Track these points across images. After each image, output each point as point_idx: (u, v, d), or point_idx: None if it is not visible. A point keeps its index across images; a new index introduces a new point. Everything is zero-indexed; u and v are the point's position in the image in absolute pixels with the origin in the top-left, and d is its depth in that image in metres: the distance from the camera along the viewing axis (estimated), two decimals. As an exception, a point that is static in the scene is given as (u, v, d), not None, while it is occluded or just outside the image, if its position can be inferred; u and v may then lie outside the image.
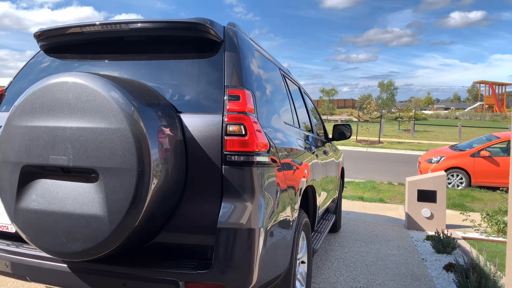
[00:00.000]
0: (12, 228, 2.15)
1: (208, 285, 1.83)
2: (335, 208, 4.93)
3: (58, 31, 2.33)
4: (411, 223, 5.68)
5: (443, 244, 4.54)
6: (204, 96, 2.04)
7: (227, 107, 1.93)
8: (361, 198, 7.80)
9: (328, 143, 4.48)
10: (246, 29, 2.49)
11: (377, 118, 27.12)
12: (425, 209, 5.59)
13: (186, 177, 1.93)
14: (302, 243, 2.71)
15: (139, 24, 2.16)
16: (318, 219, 3.61)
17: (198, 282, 1.83)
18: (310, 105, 4.26)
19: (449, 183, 9.46)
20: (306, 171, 2.76)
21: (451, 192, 8.52)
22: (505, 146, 9.51)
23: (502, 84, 46.73)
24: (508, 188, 3.05)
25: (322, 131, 4.56)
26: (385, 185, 9.41)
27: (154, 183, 1.72)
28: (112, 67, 2.29)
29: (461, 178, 9.47)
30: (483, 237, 5.29)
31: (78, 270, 1.93)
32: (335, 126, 4.68)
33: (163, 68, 2.21)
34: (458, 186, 9.47)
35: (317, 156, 3.36)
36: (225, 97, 1.96)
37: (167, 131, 1.85)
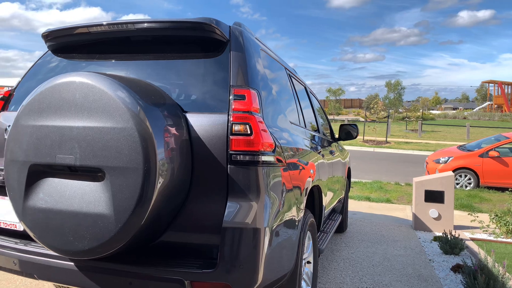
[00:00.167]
0: (20, 227, 2.17)
1: (213, 285, 1.83)
2: (342, 208, 4.91)
3: (66, 31, 2.35)
4: (418, 224, 5.64)
5: (450, 245, 4.50)
6: (210, 96, 2.05)
7: (233, 107, 1.93)
8: (368, 199, 7.76)
9: (334, 143, 4.46)
10: (252, 29, 2.49)
11: (384, 118, 26.97)
12: (433, 210, 5.55)
13: (192, 177, 1.94)
14: (308, 243, 2.70)
15: (145, 24, 2.17)
16: (324, 219, 3.60)
17: (204, 281, 1.83)
18: (316, 105, 4.24)
19: (457, 184, 9.37)
20: (312, 171, 2.75)
21: (459, 193, 8.44)
22: (514, 146, 9.41)
23: (511, 84, 46.18)
24: (517, 189, 3.02)
25: (329, 131, 4.54)
26: (392, 186, 9.35)
27: (160, 182, 1.73)
28: (119, 67, 2.31)
29: (469, 179, 9.37)
30: (491, 238, 5.23)
31: (85, 268, 1.95)
32: (341, 126, 4.66)
33: (169, 67, 2.22)
34: (466, 186, 9.37)
35: (323, 156, 3.35)
36: (231, 97, 1.96)
37: (173, 130, 1.86)
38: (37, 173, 1.85)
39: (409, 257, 4.36)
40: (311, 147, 3.00)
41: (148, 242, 1.96)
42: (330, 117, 35.85)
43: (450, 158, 9.65)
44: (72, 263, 1.96)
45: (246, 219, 1.84)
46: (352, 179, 8.89)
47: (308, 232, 2.61)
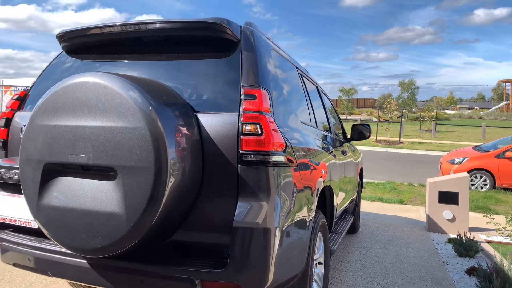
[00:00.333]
0: (35, 224, 2.21)
1: (223, 284, 1.83)
2: (354, 209, 4.87)
3: (79, 32, 2.39)
4: (432, 225, 5.56)
5: (465, 247, 4.42)
6: (221, 96, 2.05)
7: (243, 107, 1.93)
8: (381, 199, 7.68)
9: (346, 143, 4.43)
10: (264, 29, 2.49)
11: (398, 118, 26.67)
12: (447, 211, 5.46)
13: (203, 176, 1.94)
14: (319, 243, 2.68)
15: (157, 24, 2.18)
16: (336, 219, 3.57)
17: (214, 281, 1.83)
18: (328, 104, 4.22)
19: (472, 185, 9.21)
20: (323, 171, 2.74)
21: (474, 194, 8.29)
22: (532, 147, 9.19)
23: (529, 83, 45.15)
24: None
25: (341, 131, 4.51)
26: (405, 186, 9.23)
27: (171, 182, 1.74)
28: (132, 67, 2.33)
29: (485, 180, 9.20)
30: (507, 240, 5.12)
31: (98, 266, 1.97)
32: (353, 126, 4.62)
33: (181, 68, 2.23)
34: (481, 188, 9.20)
35: (335, 156, 3.33)
36: (241, 97, 1.96)
37: (184, 130, 1.87)
38: (51, 172, 1.88)
39: (422, 259, 4.30)
40: (323, 147, 2.98)
41: (159, 241, 1.98)
42: (342, 117, 35.60)
43: (465, 159, 9.49)
44: (85, 261, 1.98)
45: (256, 219, 1.84)
46: (365, 180, 8.80)
47: (319, 232, 2.59)
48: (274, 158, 1.91)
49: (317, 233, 2.46)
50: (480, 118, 38.34)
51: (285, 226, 1.97)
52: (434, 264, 4.13)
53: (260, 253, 1.82)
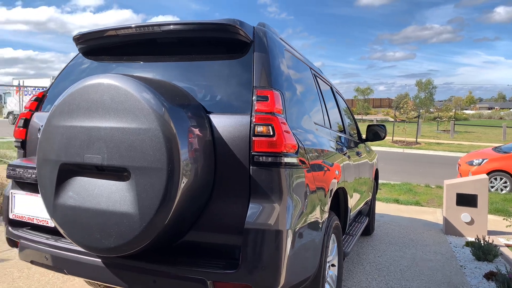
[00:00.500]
0: (51, 223, 2.26)
1: (235, 285, 1.83)
2: (369, 211, 4.81)
3: (95, 34, 2.43)
4: (449, 228, 5.45)
5: (483, 251, 4.31)
6: (233, 97, 2.05)
7: (255, 108, 1.93)
8: (396, 201, 7.57)
9: (361, 144, 4.38)
10: (279, 29, 2.47)
11: (415, 118, 26.25)
12: (465, 214, 5.34)
13: (215, 177, 1.95)
14: (333, 245, 2.66)
15: (170, 26, 2.20)
16: (350, 221, 3.54)
17: (226, 282, 1.84)
18: (342, 105, 4.18)
19: (492, 187, 8.99)
20: (337, 172, 2.71)
21: (494, 197, 8.08)
22: (555, 148, 8.91)
23: (552, 82, 43.83)
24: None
25: (356, 132, 4.46)
26: (422, 188, 9.08)
27: (183, 182, 1.75)
28: (146, 68, 2.35)
29: (505, 182, 8.96)
30: (528, 245, 4.98)
31: (112, 265, 2.00)
32: (369, 126, 4.57)
33: (194, 69, 2.25)
34: (502, 190, 8.97)
35: (349, 157, 3.29)
36: (254, 98, 1.96)
37: (197, 131, 1.88)
38: (67, 172, 1.92)
39: (439, 262, 4.21)
40: (337, 148, 2.95)
41: (172, 241, 1.99)
42: (358, 117, 35.24)
43: (485, 160, 9.26)
44: (100, 260, 2.01)
45: (268, 220, 1.84)
46: (380, 181, 8.69)
47: (333, 234, 2.57)
48: (286, 160, 1.90)
49: (330, 235, 2.44)
50: (501, 118, 37.40)
51: (298, 228, 1.96)
52: (451, 268, 4.04)
53: (272, 254, 1.82)
